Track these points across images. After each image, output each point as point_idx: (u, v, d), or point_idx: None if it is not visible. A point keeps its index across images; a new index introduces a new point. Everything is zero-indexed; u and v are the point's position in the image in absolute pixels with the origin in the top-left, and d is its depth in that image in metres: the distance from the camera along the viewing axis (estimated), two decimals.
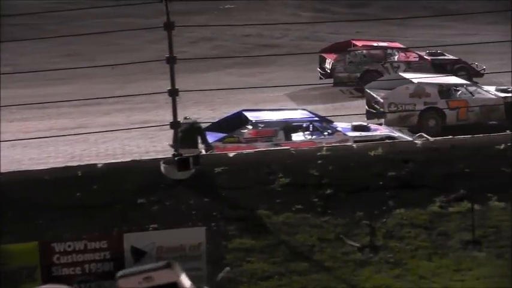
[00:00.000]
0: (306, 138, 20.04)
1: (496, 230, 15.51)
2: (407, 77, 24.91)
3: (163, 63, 16.07)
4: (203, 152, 18.85)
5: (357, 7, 43.14)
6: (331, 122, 20.76)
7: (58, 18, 38.97)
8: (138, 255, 13.83)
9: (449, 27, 39.89)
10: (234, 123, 20.28)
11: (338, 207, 15.82)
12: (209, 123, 20.84)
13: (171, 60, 15.70)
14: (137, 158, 18.30)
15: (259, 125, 19.80)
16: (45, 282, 13.34)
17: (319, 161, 16.51)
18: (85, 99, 23.88)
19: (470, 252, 15.08)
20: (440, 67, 29.35)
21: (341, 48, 30.02)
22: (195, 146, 17.94)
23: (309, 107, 24.47)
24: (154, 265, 13.01)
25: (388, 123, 22.86)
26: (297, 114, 21.04)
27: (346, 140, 19.58)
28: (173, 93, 15.89)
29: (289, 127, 20.09)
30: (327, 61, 29.69)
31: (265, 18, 41.16)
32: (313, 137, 20.04)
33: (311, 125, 20.24)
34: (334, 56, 29.64)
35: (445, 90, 24.18)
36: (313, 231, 15.32)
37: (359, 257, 14.90)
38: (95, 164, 16.55)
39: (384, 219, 15.63)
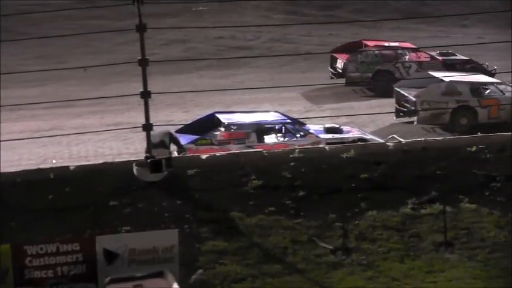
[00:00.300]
0: (278, 140, 20.06)
1: (467, 232, 15.62)
2: (438, 76, 25.08)
3: (135, 65, 16.01)
4: (176, 154, 18.81)
5: (327, 9, 43.28)
6: (304, 124, 20.81)
7: (29, 20, 38.66)
8: (111, 257, 13.77)
9: (421, 29, 40.15)
10: (206, 125, 20.25)
11: (311, 209, 15.85)
12: (182, 125, 20.79)
13: (143, 63, 15.64)
14: (110, 160, 18.20)
15: (232, 127, 19.80)
16: (17, 285, 13.25)
17: (292, 163, 16.53)
18: (58, 101, 23.75)
19: (442, 254, 15.18)
20: (451, 67, 29.41)
21: (352, 48, 30.07)
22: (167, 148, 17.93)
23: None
24: (146, 272, 12.99)
25: (421, 121, 23.13)
26: (270, 116, 21.06)
27: (319, 142, 19.62)
28: (145, 95, 15.83)
29: (261, 129, 20.10)
30: (338, 61, 29.76)
31: (238, 20, 41.15)
32: (286, 139, 20.07)
33: (283, 127, 20.27)
34: (345, 56, 29.68)
35: (476, 89, 24.35)
36: (285, 233, 15.34)
37: (332, 259, 14.95)
38: (67, 166, 16.46)
39: (356, 221, 15.68)
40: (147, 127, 15.98)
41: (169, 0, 41.25)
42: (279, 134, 20.23)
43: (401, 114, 24.39)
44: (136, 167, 15.74)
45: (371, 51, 29.58)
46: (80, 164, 17.45)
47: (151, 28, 15.93)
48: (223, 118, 20.26)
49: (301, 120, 21.32)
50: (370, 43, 30.79)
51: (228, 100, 27.43)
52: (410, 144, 17.63)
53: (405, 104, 24.28)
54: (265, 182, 16.13)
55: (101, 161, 17.86)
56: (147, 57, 15.62)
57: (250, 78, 31.74)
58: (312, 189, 16.13)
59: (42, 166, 17.82)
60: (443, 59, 30.18)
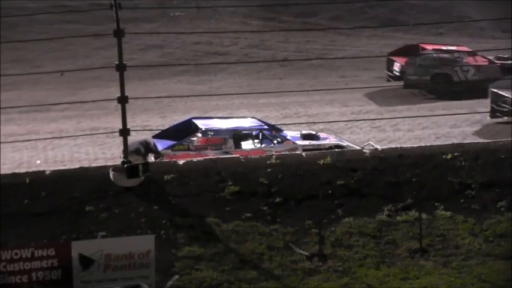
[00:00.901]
0: (255, 146, 20.08)
1: (442, 239, 15.73)
2: None
3: (112, 70, 15.99)
4: (152, 159, 18.78)
5: (305, 16, 43.39)
6: (281, 130, 20.85)
7: (4, 24, 38.42)
8: (86, 263, 13.71)
9: (397, 37, 40.34)
10: (183, 131, 20.21)
11: (287, 215, 15.89)
12: (159, 131, 20.74)
13: (121, 68, 15.62)
14: (86, 165, 18.14)
15: (209, 132, 19.79)
16: None
17: (269, 170, 16.57)
18: (33, 106, 23.61)
19: (417, 260, 15.26)
20: (509, 71, 29.50)
21: (409, 52, 30.13)
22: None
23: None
24: (123, 286, 12.96)
25: None
26: (247, 122, 21.07)
27: (296, 149, 19.65)
28: (123, 100, 15.81)
29: (238, 135, 20.10)
30: (396, 64, 29.79)
31: (215, 26, 41.16)
32: (263, 145, 20.09)
33: (261, 133, 20.29)
34: (403, 59, 29.71)
35: None
36: (262, 240, 15.36)
37: (308, 266, 14.98)
38: (43, 171, 16.37)
39: (333, 228, 15.73)
40: (124, 132, 15.96)
41: (146, 5, 41.25)
42: (256, 140, 20.24)
43: (497, 114, 24.47)
44: (112, 172, 15.70)
45: (430, 55, 29.67)
46: (55, 168, 17.36)
47: (129, 33, 15.93)
48: (201, 124, 20.25)
49: (277, 126, 21.36)
50: (428, 46, 30.87)
51: (205, 106, 27.42)
52: (387, 151, 17.73)
53: (503, 104, 24.41)
54: (242, 188, 16.14)
55: (77, 166, 17.81)
56: (124, 63, 15.60)
57: (228, 84, 31.76)
58: (288, 195, 16.17)
59: (17, 171, 17.70)
60: (500, 63, 30.25)
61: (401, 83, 29.57)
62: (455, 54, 30.02)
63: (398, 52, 30.53)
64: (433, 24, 41.18)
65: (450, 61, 29.81)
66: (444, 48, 30.88)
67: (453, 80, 28.81)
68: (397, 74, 29.72)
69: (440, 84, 27.28)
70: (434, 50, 30.25)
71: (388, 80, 30.05)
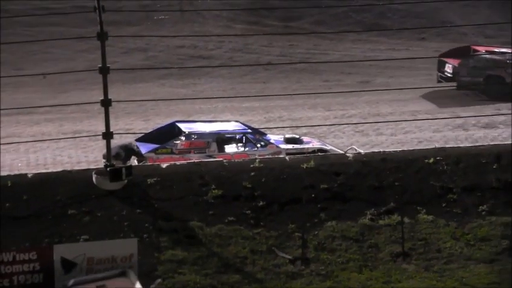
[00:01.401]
0: (239, 150, 20.07)
1: (424, 243, 15.80)
2: None
3: (95, 73, 15.95)
4: (136, 162, 18.74)
5: (289, 20, 43.43)
6: (264, 134, 20.86)
7: None
8: (68, 266, 13.67)
9: (381, 42, 40.49)
10: (167, 134, 20.18)
11: (270, 219, 15.91)
12: (142, 134, 20.70)
13: (104, 70, 15.59)
14: (68, 169, 18.06)
15: (192, 136, 19.76)
16: None
17: (252, 173, 16.58)
18: (16, 108, 23.48)
19: (399, 264, 15.31)
20: None
21: (460, 53, 30.08)
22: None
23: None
24: (109, 273, 12.89)
25: None
26: (230, 126, 21.06)
27: (279, 153, 19.67)
28: (106, 103, 15.77)
29: (222, 139, 20.09)
30: (447, 65, 29.75)
31: (199, 30, 41.14)
32: (246, 149, 20.08)
33: (244, 137, 20.29)
34: (456, 60, 29.66)
35: None
36: (245, 243, 15.37)
37: (291, 269, 15.00)
38: (25, 174, 16.29)
39: (316, 232, 15.77)
40: (107, 135, 15.92)
41: (130, 8, 41.16)
42: (239, 144, 20.24)
43: (441, 80, 24.95)
44: (95, 175, 15.66)
45: (482, 56, 29.66)
46: (38, 172, 17.29)
47: (112, 36, 15.89)
48: (184, 127, 20.22)
49: (261, 130, 21.38)
50: (480, 48, 30.84)
51: (188, 109, 27.38)
52: (370, 155, 17.79)
53: (446, 71, 24.45)
54: (225, 191, 16.15)
55: (59, 169, 17.71)
56: (108, 65, 15.57)
57: (211, 87, 31.73)
58: (272, 199, 16.19)
59: None
60: None
61: (453, 84, 29.51)
62: (508, 56, 30.00)
63: (449, 54, 30.49)
64: (416, 29, 41.35)
65: (503, 63, 29.83)
66: (496, 50, 30.93)
67: (506, 82, 28.87)
68: (449, 75, 29.72)
69: (493, 85, 27.37)
70: (487, 51, 30.28)
71: (439, 81, 30.03)
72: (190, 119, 23.83)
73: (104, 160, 16.14)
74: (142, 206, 15.61)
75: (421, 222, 16.19)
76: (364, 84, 31.55)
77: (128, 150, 18.43)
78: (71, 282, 12.81)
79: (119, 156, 17.53)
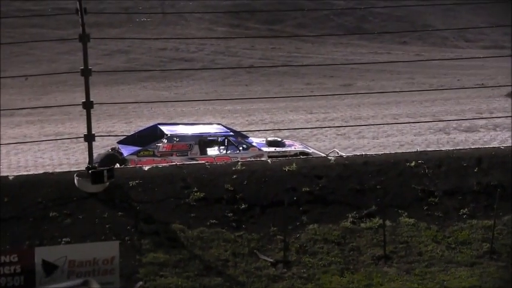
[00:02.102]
0: (221, 152, 20.07)
1: (406, 246, 15.85)
2: None
3: (77, 75, 15.90)
4: (117, 165, 18.69)
5: (271, 23, 43.54)
6: (247, 137, 20.87)
7: None
8: (50, 269, 13.61)
9: (362, 45, 40.66)
10: (149, 137, 20.14)
11: (252, 222, 15.91)
12: (124, 136, 20.66)
13: (86, 72, 15.54)
14: (50, 171, 17.99)
15: (175, 138, 19.74)
16: None
17: (234, 176, 16.58)
18: None
19: (381, 267, 15.36)
20: None
21: None
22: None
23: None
24: (72, 282, 12.82)
25: None
26: (212, 128, 21.06)
27: (261, 155, 19.69)
28: (88, 105, 15.72)
29: (204, 141, 20.08)
30: None
31: (181, 32, 41.13)
32: (228, 151, 20.09)
33: (226, 140, 20.29)
34: None
35: None
36: (227, 246, 15.36)
37: (272, 272, 15.00)
38: (6, 176, 16.20)
39: (297, 235, 15.78)
40: (89, 137, 15.87)
41: (112, 10, 41.06)
42: (221, 147, 20.24)
43: None
44: (77, 177, 15.60)
45: None
46: (19, 174, 17.20)
47: (94, 38, 15.85)
48: (166, 130, 20.20)
49: (243, 133, 21.39)
50: None
51: (170, 112, 27.37)
52: (351, 158, 17.83)
53: None
54: (207, 194, 16.13)
55: (41, 171, 17.65)
56: (90, 67, 15.53)
57: (193, 90, 31.73)
58: (253, 202, 16.19)
59: None
60: None
61: None
62: None
63: None
64: (398, 33, 41.56)
65: None
66: None
67: None
68: None
69: None
70: None
71: None
72: (172, 121, 23.81)
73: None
74: (124, 209, 15.57)
75: (403, 226, 16.25)
76: (346, 88, 31.67)
77: (112, 159, 18.46)
78: None
79: (103, 164, 17.55)
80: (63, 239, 14.72)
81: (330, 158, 18.02)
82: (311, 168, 17.07)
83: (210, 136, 20.33)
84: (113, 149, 19.58)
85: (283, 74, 34.18)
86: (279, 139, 21.14)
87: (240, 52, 38.59)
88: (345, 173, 17.08)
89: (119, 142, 20.12)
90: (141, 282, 14.31)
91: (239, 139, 20.38)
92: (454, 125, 25.30)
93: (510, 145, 19.78)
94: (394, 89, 30.14)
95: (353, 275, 15.07)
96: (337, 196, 16.60)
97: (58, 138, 22.77)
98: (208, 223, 15.66)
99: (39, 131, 24.88)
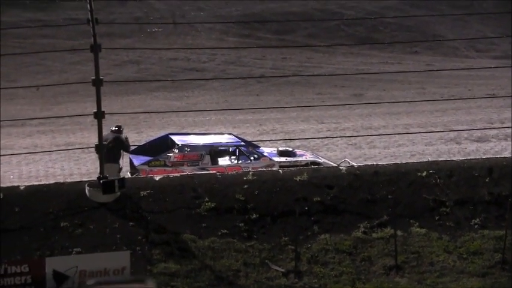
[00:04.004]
0: (232, 162, 20.06)
1: (417, 256, 15.80)
2: None
3: (88, 85, 15.93)
4: (128, 175, 18.70)
5: (281, 34, 43.56)
6: (258, 146, 20.86)
7: None
8: (60, 279, 13.61)
9: (373, 55, 40.61)
10: (160, 147, 20.15)
11: (263, 232, 15.88)
12: (135, 147, 20.68)
13: (97, 82, 15.57)
14: (61, 181, 18.01)
15: (186, 148, 19.74)
16: None
17: (245, 186, 16.56)
18: (8, 120, 23.43)
19: (392, 277, 15.30)
20: None
21: None
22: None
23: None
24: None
25: None
26: (223, 138, 21.06)
27: (272, 165, 19.67)
28: (99, 115, 15.75)
29: (215, 151, 20.08)
30: None
31: (192, 42, 41.21)
32: (240, 161, 20.08)
33: (237, 150, 20.29)
34: None
35: None
36: (238, 256, 15.33)
37: (284, 282, 14.97)
38: (18, 186, 16.24)
39: (309, 245, 15.75)
40: (100, 148, 15.89)
41: (123, 21, 41.18)
42: (232, 157, 20.23)
43: None
44: (88, 187, 15.62)
45: None
46: (30, 184, 17.23)
47: (105, 48, 15.89)
48: (177, 140, 20.21)
49: (254, 142, 21.38)
50: None
51: (181, 122, 27.39)
52: (362, 168, 17.79)
53: None
54: (218, 204, 16.12)
55: (52, 181, 17.67)
56: (101, 77, 15.56)
57: (204, 100, 31.74)
58: (264, 212, 16.17)
59: None
60: None
61: None
62: None
63: None
64: (408, 43, 41.50)
65: None
66: None
67: None
68: None
69: None
70: None
71: None
72: (184, 131, 23.82)
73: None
74: (135, 219, 15.56)
75: (414, 235, 16.19)
76: (357, 97, 31.62)
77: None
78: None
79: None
80: (74, 249, 14.72)
81: (341, 167, 17.99)
82: (322, 178, 17.04)
83: (221, 146, 20.33)
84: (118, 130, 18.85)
85: (294, 84, 34.17)
86: (290, 149, 21.12)
87: (251, 62, 38.61)
88: (356, 183, 17.04)
89: (130, 152, 20.13)
90: None
91: (250, 149, 20.36)
92: (465, 135, 25.22)
93: None
94: (405, 98, 30.06)
95: (364, 285, 15.03)
96: (349, 206, 16.56)
97: (69, 148, 22.80)
98: (219, 233, 15.64)
99: (51, 141, 24.93)
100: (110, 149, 17.59)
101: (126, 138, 18.67)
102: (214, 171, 17.95)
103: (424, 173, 17.41)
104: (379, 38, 42.90)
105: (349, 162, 19.71)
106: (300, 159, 20.41)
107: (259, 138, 23.90)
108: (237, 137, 21.38)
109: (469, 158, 19.87)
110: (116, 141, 18.10)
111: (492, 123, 26.81)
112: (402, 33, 43.91)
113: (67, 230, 15.13)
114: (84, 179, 17.29)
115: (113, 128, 18.42)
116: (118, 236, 15.19)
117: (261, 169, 18.51)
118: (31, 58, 36.78)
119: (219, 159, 20.03)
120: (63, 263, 13.75)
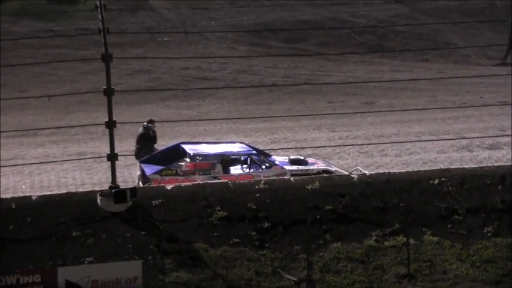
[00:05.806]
0: (244, 171, 20.06)
1: (430, 264, 15.73)
2: None
3: (99, 94, 15.96)
4: (140, 184, 18.72)
5: (293, 42, 43.61)
6: (269, 155, 20.85)
7: None
8: None
9: (384, 63, 40.61)
10: (171, 156, 20.18)
11: (275, 240, 15.85)
12: (147, 156, 20.71)
13: (109, 92, 15.60)
14: (73, 190, 18.05)
15: (197, 157, 19.76)
16: None
17: (257, 195, 16.54)
18: (20, 130, 23.52)
19: (405, 286, 15.24)
20: None
21: None
22: None
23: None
24: None
25: None
26: (235, 147, 21.07)
27: (284, 174, 19.64)
28: (111, 124, 15.77)
29: (227, 160, 20.08)
30: None
31: (203, 51, 41.30)
32: (251, 170, 20.07)
33: (249, 158, 20.28)
34: None
35: None
36: (250, 265, 15.31)
37: None
38: (30, 196, 16.27)
39: (321, 253, 15.71)
40: (112, 157, 15.91)
41: (134, 30, 41.33)
42: (244, 165, 20.23)
43: None
44: (100, 197, 15.63)
45: None
46: (42, 193, 17.26)
47: (117, 58, 15.92)
48: (189, 149, 20.23)
49: (265, 151, 21.38)
50: None
51: (193, 131, 27.42)
52: (374, 176, 17.74)
53: None
54: (230, 213, 16.10)
55: (63, 191, 17.70)
56: (112, 87, 15.59)
57: (216, 109, 31.80)
58: (276, 220, 16.13)
59: (3, 196, 17.59)
60: None
61: None
62: None
63: None
64: (419, 51, 41.50)
65: None
66: None
67: None
68: None
69: None
70: None
71: None
72: (195, 140, 23.85)
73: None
74: (147, 228, 15.56)
75: (427, 244, 16.13)
76: (369, 106, 31.60)
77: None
78: None
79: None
80: (86, 259, 14.72)
81: (352, 176, 17.95)
82: (334, 187, 17.00)
83: (233, 155, 20.34)
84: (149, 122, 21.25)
85: (306, 92, 34.19)
86: (302, 157, 21.11)
87: (262, 71, 38.66)
88: (368, 191, 16.99)
89: (142, 161, 20.18)
90: None
91: (262, 158, 20.36)
92: (477, 143, 25.15)
93: None
94: (417, 106, 30.02)
95: None
96: (361, 214, 16.52)
97: (81, 157, 22.87)
98: (231, 242, 15.62)
99: (62, 150, 25.01)
100: (140, 138, 20.78)
101: (154, 131, 21.15)
102: (226, 180, 17.93)
103: (436, 181, 17.35)
104: (390, 46, 42.88)
105: (360, 171, 19.68)
106: (311, 167, 20.40)
107: (270, 146, 23.90)
108: (248, 145, 21.38)
109: (481, 165, 19.79)
110: (145, 130, 20.95)
111: (504, 131, 26.72)
112: (413, 41, 43.89)
113: (79, 239, 15.14)
114: (96, 189, 17.31)
115: (144, 124, 21.20)
116: (130, 245, 15.19)
117: (272, 178, 18.49)
118: (43, 68, 36.98)
119: (231, 168, 20.03)
120: (75, 272, 13.77)
